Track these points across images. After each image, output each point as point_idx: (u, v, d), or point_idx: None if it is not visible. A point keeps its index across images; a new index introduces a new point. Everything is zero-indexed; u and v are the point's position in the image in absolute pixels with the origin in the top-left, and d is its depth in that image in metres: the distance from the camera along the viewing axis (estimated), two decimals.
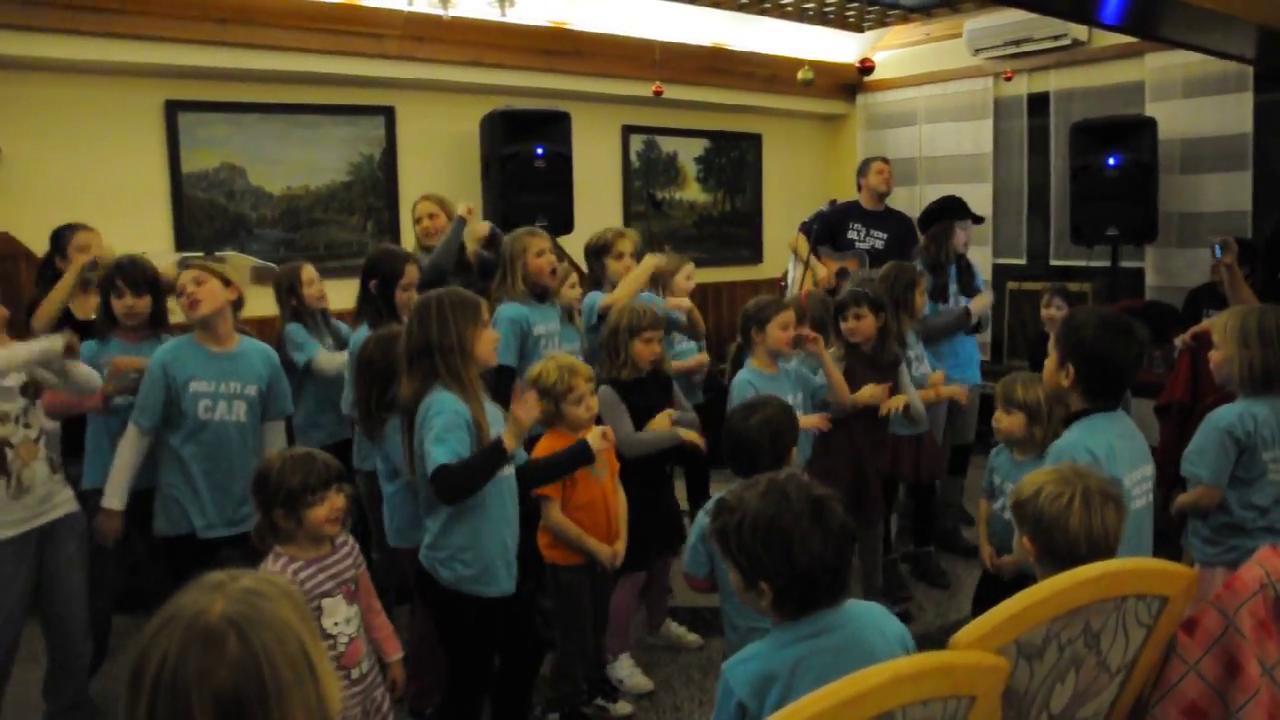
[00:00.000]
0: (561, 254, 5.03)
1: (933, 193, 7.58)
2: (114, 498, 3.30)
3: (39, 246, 5.36)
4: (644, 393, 3.80)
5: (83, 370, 3.22)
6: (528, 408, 2.80)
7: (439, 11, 4.65)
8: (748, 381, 3.81)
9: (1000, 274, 7.39)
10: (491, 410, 2.90)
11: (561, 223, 6.32)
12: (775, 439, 2.79)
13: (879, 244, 6.03)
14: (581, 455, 3.11)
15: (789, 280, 6.47)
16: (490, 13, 6.14)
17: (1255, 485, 3.04)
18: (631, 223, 7.44)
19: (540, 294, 4.13)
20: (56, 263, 4.30)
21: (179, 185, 5.77)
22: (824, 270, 6.04)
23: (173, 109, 5.72)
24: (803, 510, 1.79)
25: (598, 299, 4.40)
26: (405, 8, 5.22)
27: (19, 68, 5.22)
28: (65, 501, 3.19)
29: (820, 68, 7.49)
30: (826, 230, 6.25)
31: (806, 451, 3.90)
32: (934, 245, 5.25)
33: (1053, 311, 5.28)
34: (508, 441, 2.75)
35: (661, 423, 3.80)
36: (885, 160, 6.20)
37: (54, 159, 5.42)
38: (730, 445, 2.84)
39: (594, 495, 3.36)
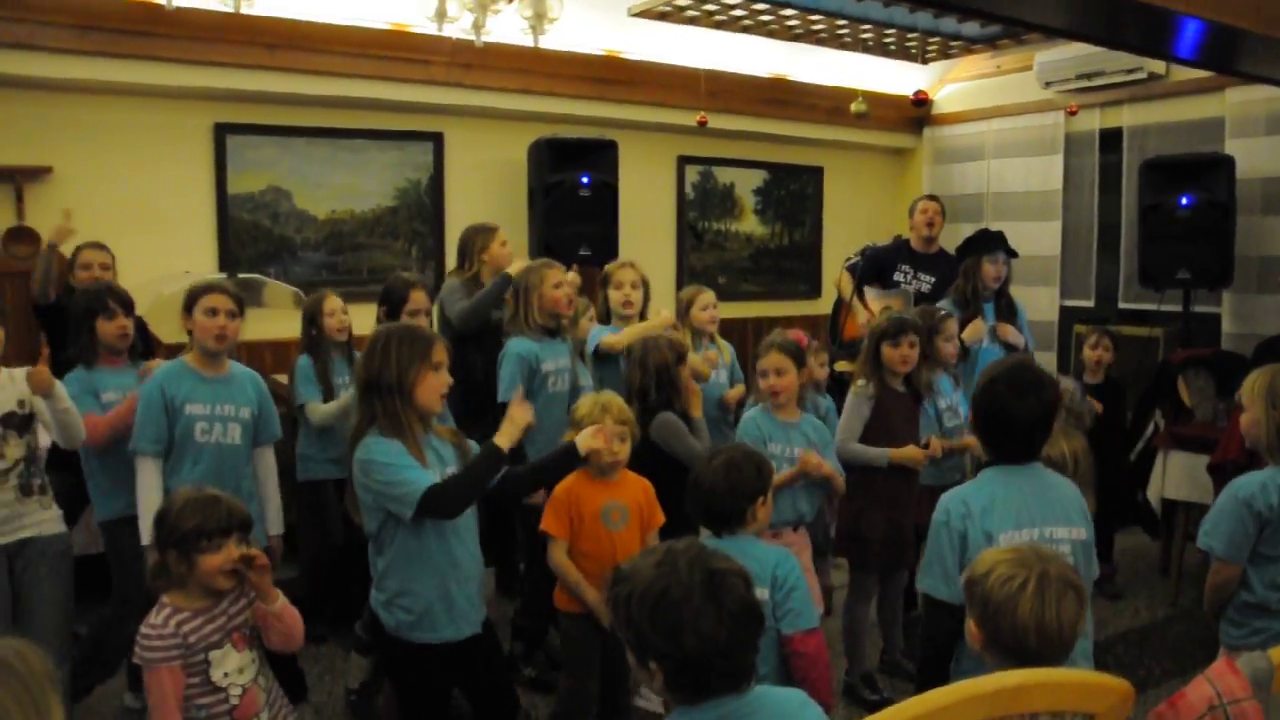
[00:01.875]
0: (586, 287, 4.93)
1: (1000, 230, 7.32)
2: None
3: None
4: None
5: (66, 414, 3.17)
6: (523, 409, 2.77)
7: (473, 38, 4.61)
8: (753, 422, 3.62)
9: (1067, 316, 7.07)
10: (438, 449, 2.77)
11: (606, 253, 6.21)
12: (734, 488, 2.60)
13: (926, 287, 5.77)
14: (567, 457, 2.96)
15: (832, 326, 6.27)
16: (542, 40, 6.11)
17: (1275, 564, 2.77)
18: (686, 255, 7.34)
19: (552, 330, 4.01)
20: (70, 279, 4.33)
21: (225, 206, 5.82)
22: (864, 313, 5.84)
23: (221, 131, 5.77)
24: (695, 585, 1.59)
25: (601, 333, 4.28)
26: (452, 34, 5.20)
27: (71, 90, 5.32)
28: (40, 524, 3.17)
29: (886, 100, 7.32)
30: (874, 270, 6.04)
31: (806, 507, 3.64)
32: (963, 281, 5.06)
33: (1100, 354, 4.98)
34: (500, 442, 2.70)
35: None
36: (932, 198, 5.97)
37: (104, 179, 5.51)
38: (690, 490, 2.66)
39: (602, 545, 3.15)
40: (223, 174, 5.80)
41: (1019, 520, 2.40)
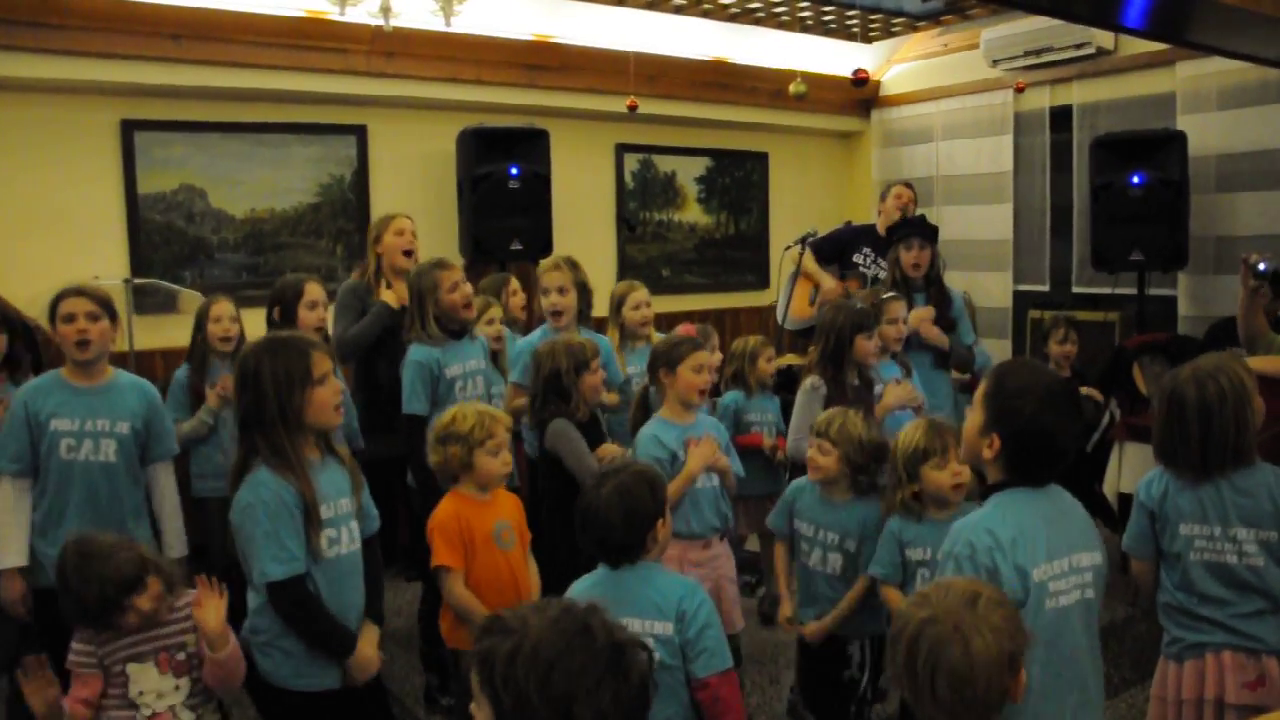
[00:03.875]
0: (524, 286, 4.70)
1: (950, 215, 7.18)
2: (13, 555, 3.04)
3: None
4: (587, 431, 3.48)
5: None
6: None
7: (380, 23, 4.34)
8: (653, 437, 3.38)
9: (1021, 301, 6.88)
10: (333, 478, 2.52)
11: (539, 247, 5.96)
12: (630, 517, 2.30)
13: (884, 273, 5.58)
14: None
15: (780, 304, 6.05)
16: (468, 25, 5.85)
17: (1179, 564, 2.60)
18: (625, 247, 7.08)
19: (457, 331, 3.75)
20: None
21: (135, 207, 5.51)
22: (830, 282, 5.68)
23: (129, 128, 5.46)
24: (601, 655, 1.37)
25: (530, 344, 4.02)
26: (357, 19, 4.93)
27: None
28: None
29: (830, 82, 7.09)
30: (834, 250, 5.91)
31: (729, 511, 3.46)
32: (890, 271, 4.92)
33: (1068, 349, 4.79)
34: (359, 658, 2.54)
35: (612, 451, 3.48)
36: (907, 185, 5.84)
37: (2, 179, 5.19)
38: (580, 521, 2.36)
39: (499, 569, 2.91)
40: (131, 173, 5.48)
41: (1050, 551, 2.09)
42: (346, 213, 6.07)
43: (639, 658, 1.41)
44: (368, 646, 2.54)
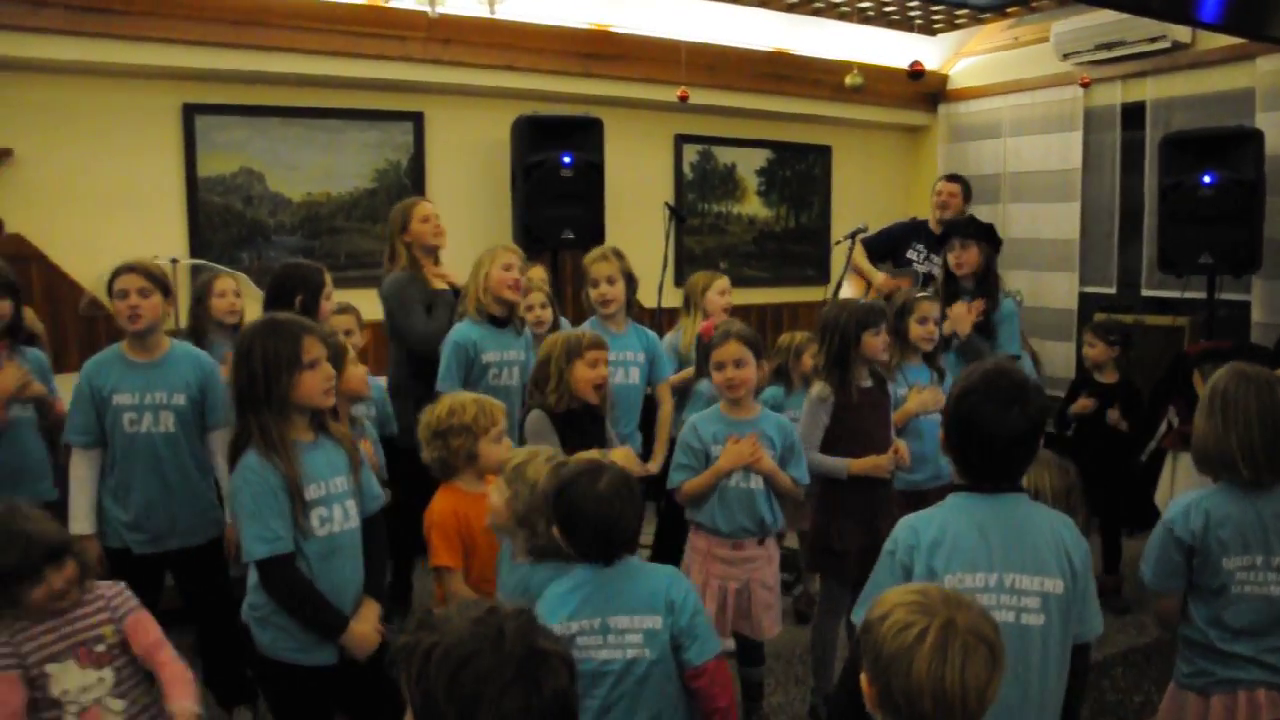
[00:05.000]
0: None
1: (1016, 213, 7.01)
2: (80, 522, 3.16)
3: (51, 249, 5.35)
4: (575, 426, 3.34)
5: None
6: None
7: (427, 9, 4.35)
8: (692, 426, 3.32)
9: (1087, 304, 6.66)
10: (326, 458, 2.54)
11: (591, 237, 5.94)
12: (638, 507, 2.26)
13: (936, 269, 5.45)
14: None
15: (830, 299, 5.96)
16: (524, 13, 5.86)
17: (1220, 599, 2.41)
18: (683, 238, 7.03)
19: (501, 319, 3.75)
20: None
21: (195, 189, 5.63)
22: (880, 278, 5.57)
23: (190, 112, 5.58)
24: (510, 660, 1.34)
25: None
26: (407, 5, 4.96)
27: (30, 69, 5.15)
28: None
29: (896, 75, 6.94)
30: (886, 246, 5.83)
31: (769, 515, 3.35)
32: (940, 272, 4.83)
33: (1098, 352, 4.62)
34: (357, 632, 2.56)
35: (621, 455, 3.34)
36: (950, 179, 5.72)
37: (68, 161, 5.34)
38: (564, 522, 2.25)
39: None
40: (192, 156, 5.61)
41: (972, 562, 2.03)
42: (402, 198, 6.08)
43: (557, 670, 1.37)
44: (364, 624, 2.54)
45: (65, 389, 4.87)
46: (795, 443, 3.37)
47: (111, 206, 5.43)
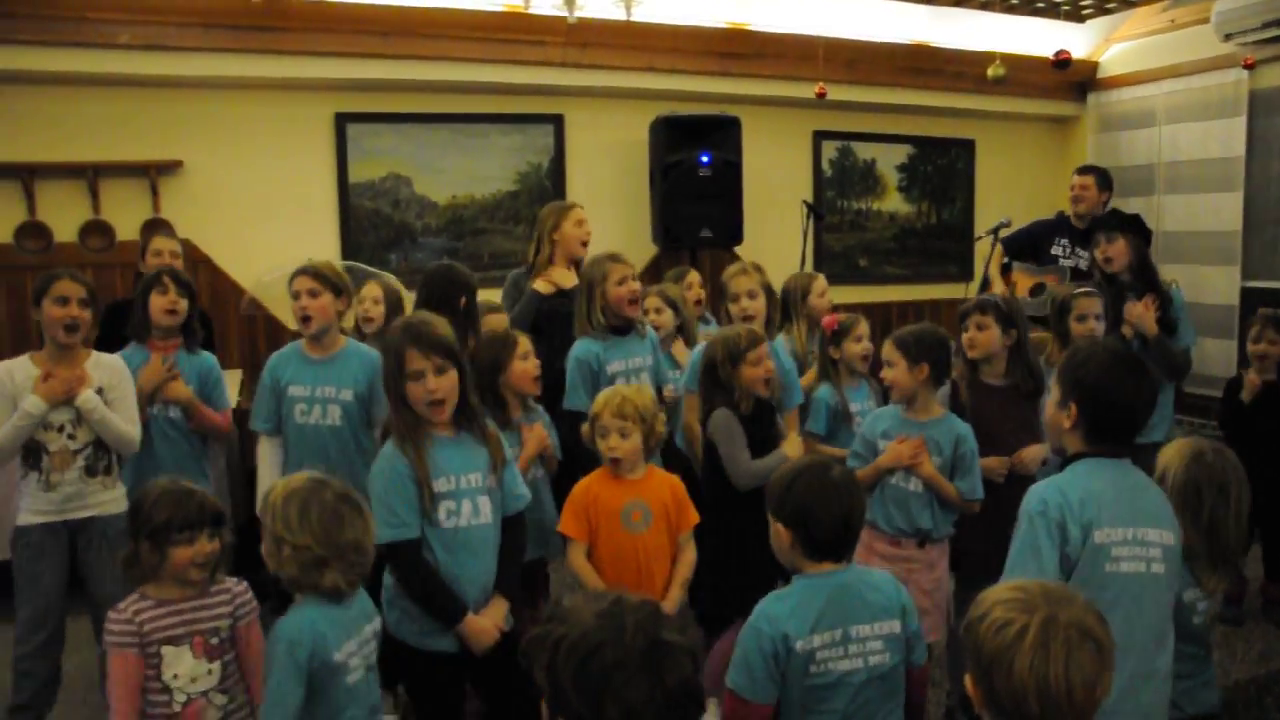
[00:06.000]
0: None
1: (1172, 204, 6.72)
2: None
3: (219, 254, 5.67)
4: (757, 421, 3.35)
5: (101, 423, 3.19)
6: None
7: (564, 14, 4.44)
8: (873, 418, 3.32)
9: (1250, 299, 6.31)
10: (462, 454, 2.60)
11: (729, 236, 5.98)
12: (851, 513, 2.18)
13: (1084, 264, 5.26)
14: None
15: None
16: (660, 14, 5.91)
17: None
18: (822, 235, 6.97)
19: (622, 327, 3.74)
20: (140, 267, 4.39)
21: (346, 195, 5.89)
22: (1001, 286, 5.39)
23: (341, 121, 5.83)
24: (634, 651, 1.36)
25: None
26: (544, 11, 5.06)
27: (200, 86, 5.49)
28: (101, 504, 3.24)
29: (1042, 64, 6.73)
30: (1028, 243, 5.62)
31: (925, 520, 3.27)
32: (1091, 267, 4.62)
33: (1264, 347, 4.36)
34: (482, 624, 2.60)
35: (794, 446, 3.36)
36: (1083, 171, 5.48)
37: (231, 171, 5.65)
38: (794, 518, 2.17)
39: (623, 549, 2.92)
40: (344, 163, 5.87)
41: (1115, 517, 2.20)
42: (543, 200, 6.20)
43: (682, 662, 1.38)
44: (485, 619, 2.58)
45: (230, 384, 5.18)
46: (967, 453, 3.27)
47: (269, 212, 5.72)
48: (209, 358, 3.72)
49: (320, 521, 2.17)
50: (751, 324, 3.82)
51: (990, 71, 5.24)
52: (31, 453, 3.15)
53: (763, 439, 3.38)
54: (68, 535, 3.21)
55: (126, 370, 3.34)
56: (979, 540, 3.36)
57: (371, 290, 4.23)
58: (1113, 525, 2.18)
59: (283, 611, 2.23)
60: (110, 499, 3.26)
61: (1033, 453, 3.47)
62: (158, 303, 3.51)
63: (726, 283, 4.05)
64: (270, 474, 3.39)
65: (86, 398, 3.14)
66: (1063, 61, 5.35)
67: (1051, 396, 2.35)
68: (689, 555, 3.04)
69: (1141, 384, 2.26)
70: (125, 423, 3.24)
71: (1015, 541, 2.24)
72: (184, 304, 3.55)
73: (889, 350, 3.28)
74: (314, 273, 3.40)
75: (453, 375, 2.55)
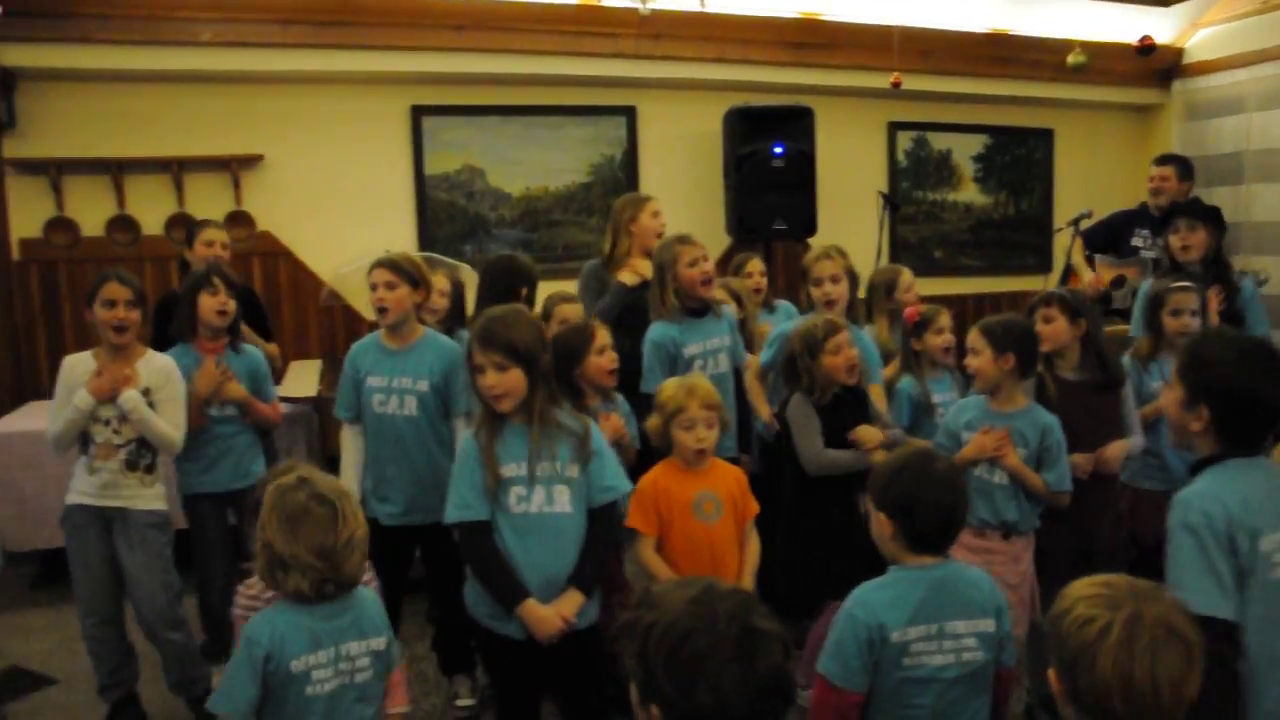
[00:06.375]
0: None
1: (1262, 193, 6.51)
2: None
3: (298, 246, 5.78)
4: (841, 411, 3.33)
5: (142, 423, 3.26)
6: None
7: (637, 6, 4.44)
8: (958, 408, 3.26)
9: None
10: (526, 441, 2.58)
11: (802, 226, 5.93)
12: (949, 511, 2.15)
13: (1163, 253, 5.14)
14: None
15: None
16: (734, 5, 5.90)
17: None
18: (898, 227, 6.89)
19: (698, 310, 3.73)
20: (186, 255, 4.47)
21: (422, 186, 5.96)
22: (1089, 276, 5.28)
23: (417, 113, 5.91)
24: (727, 639, 1.36)
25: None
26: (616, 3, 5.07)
27: (279, 81, 5.61)
28: (135, 499, 3.30)
29: (1124, 51, 6.59)
30: (1108, 234, 5.49)
31: (1010, 513, 3.21)
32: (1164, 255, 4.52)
33: None
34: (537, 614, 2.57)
35: (870, 434, 3.32)
36: (1161, 161, 5.34)
37: (310, 164, 5.76)
38: (897, 508, 2.15)
39: (696, 539, 2.89)
40: (420, 155, 5.94)
41: (1274, 521, 2.03)
42: (616, 191, 6.24)
43: (773, 649, 1.38)
44: (549, 609, 2.53)
45: (310, 373, 5.27)
46: (1054, 444, 3.20)
47: (348, 204, 5.81)
48: (255, 354, 3.75)
49: (282, 522, 2.07)
50: (832, 309, 3.80)
51: (1070, 59, 5.12)
52: (84, 438, 3.25)
53: (853, 426, 3.34)
54: (103, 521, 3.28)
55: (177, 372, 3.37)
56: (1063, 538, 3.30)
57: (439, 281, 4.24)
58: (1272, 528, 2.01)
59: None
60: (144, 495, 3.31)
61: (1116, 450, 3.38)
62: (208, 303, 3.53)
63: (809, 266, 4.00)
64: (352, 461, 3.42)
65: (128, 397, 3.19)
66: (1147, 48, 5.21)
67: (1169, 396, 2.20)
68: (754, 545, 3.03)
69: (1276, 380, 2.09)
70: (168, 424, 3.29)
71: (1178, 562, 2.05)
72: (233, 304, 3.59)
73: (974, 338, 3.22)
74: (391, 265, 3.39)
75: (515, 373, 2.54)
